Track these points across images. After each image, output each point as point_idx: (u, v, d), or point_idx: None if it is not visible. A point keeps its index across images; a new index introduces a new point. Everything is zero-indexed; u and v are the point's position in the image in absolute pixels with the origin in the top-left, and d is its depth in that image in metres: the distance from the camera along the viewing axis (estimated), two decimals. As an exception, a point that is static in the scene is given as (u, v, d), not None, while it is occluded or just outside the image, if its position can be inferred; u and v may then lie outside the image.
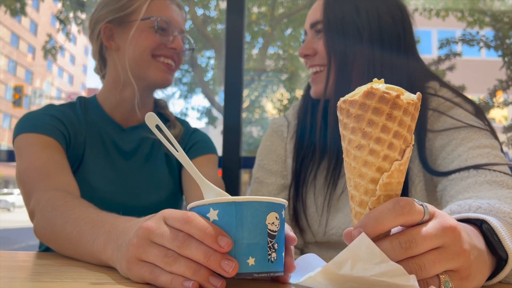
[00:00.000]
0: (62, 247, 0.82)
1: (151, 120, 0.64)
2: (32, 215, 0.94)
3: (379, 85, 0.55)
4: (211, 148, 1.27)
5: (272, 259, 0.56)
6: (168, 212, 0.57)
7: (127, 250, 0.58)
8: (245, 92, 10.10)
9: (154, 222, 0.57)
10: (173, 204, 1.23)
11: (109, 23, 1.17)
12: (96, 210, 0.80)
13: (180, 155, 0.64)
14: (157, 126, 0.64)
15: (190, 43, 1.31)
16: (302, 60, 1.15)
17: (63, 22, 7.00)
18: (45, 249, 1.16)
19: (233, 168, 1.62)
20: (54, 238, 0.83)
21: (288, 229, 0.63)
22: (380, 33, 1.02)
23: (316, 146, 1.10)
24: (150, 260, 0.55)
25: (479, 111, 1.03)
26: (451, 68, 5.01)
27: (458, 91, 1.07)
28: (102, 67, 1.24)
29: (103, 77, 1.25)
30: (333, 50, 1.04)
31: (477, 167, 0.88)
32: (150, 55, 1.16)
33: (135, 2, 1.16)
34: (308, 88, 1.18)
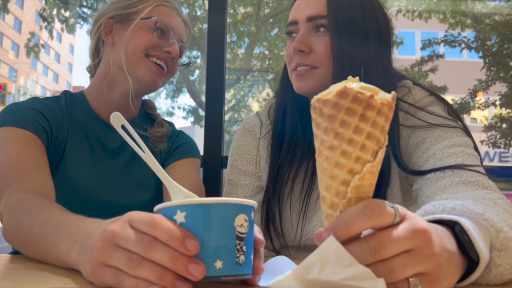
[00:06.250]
0: (29, 251, 0.80)
1: (117, 120, 0.62)
2: (1, 217, 0.92)
3: (353, 84, 0.53)
4: (194, 152, 1.27)
5: (240, 261, 0.55)
6: (134, 215, 0.56)
7: (91, 254, 0.56)
8: (231, 92, 10.07)
9: (118, 225, 0.55)
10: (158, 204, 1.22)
11: (111, 19, 1.18)
12: (63, 212, 0.78)
13: (147, 156, 0.62)
14: (123, 127, 0.62)
15: (189, 58, 1.30)
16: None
17: (47, 19, 6.90)
18: (15, 251, 1.14)
19: (214, 168, 1.62)
20: (22, 242, 0.81)
21: (257, 231, 0.61)
22: (379, 34, 1.01)
23: (294, 149, 1.08)
24: (114, 264, 0.54)
25: (452, 109, 1.03)
26: (433, 70, 5.07)
27: (430, 90, 1.07)
28: (96, 64, 1.24)
29: (92, 76, 1.25)
30: (340, 51, 0.97)
31: (452, 167, 0.88)
32: (143, 54, 1.15)
33: (141, 4, 1.17)
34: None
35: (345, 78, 0.99)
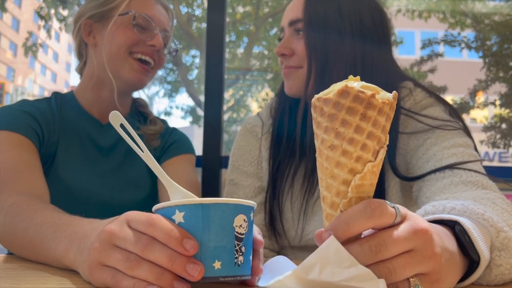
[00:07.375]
0: (26, 253, 0.79)
1: (115, 119, 0.61)
2: None
3: (354, 83, 0.53)
4: (189, 148, 1.26)
5: (239, 262, 0.54)
6: (132, 215, 0.55)
7: (89, 254, 0.55)
8: (230, 92, 10.06)
9: (116, 225, 0.55)
10: (152, 203, 1.21)
11: (90, 19, 1.15)
12: (59, 214, 0.77)
13: (146, 155, 0.61)
14: (122, 125, 0.61)
15: (175, 44, 1.27)
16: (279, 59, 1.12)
17: (44, 18, 6.88)
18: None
19: (213, 168, 1.61)
20: (17, 244, 0.80)
21: (257, 232, 0.61)
22: (361, 34, 1.02)
23: (293, 148, 1.08)
24: (112, 264, 0.53)
25: (453, 110, 1.03)
26: (432, 70, 5.08)
27: (431, 91, 1.07)
28: (82, 65, 1.22)
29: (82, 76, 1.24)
30: (314, 49, 1.01)
31: (451, 167, 0.87)
32: (127, 52, 1.12)
33: None
34: (283, 87, 1.15)
35: (322, 75, 1.00)
